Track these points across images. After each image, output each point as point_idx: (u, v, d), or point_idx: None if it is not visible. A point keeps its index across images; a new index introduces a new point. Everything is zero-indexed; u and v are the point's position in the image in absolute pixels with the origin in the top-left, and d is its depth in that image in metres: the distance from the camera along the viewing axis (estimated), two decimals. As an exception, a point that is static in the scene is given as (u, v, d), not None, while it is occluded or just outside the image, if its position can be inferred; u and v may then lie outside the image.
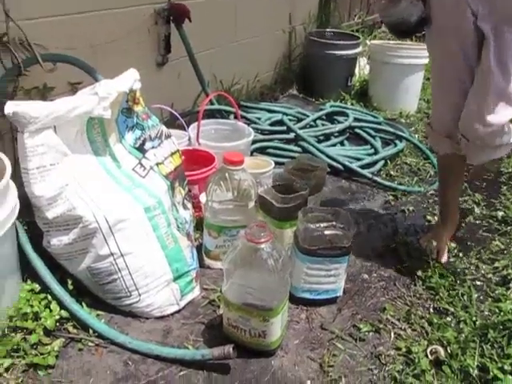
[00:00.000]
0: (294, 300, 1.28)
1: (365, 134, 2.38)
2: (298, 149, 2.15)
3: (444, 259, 1.52)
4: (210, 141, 1.79)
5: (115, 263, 1.16)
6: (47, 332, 1.13)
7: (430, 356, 1.16)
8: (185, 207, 1.34)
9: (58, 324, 1.15)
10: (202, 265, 1.41)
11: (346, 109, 2.61)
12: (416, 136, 2.47)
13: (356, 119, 2.47)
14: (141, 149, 1.24)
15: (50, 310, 1.15)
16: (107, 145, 1.20)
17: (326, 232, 1.24)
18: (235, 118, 2.08)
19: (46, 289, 1.18)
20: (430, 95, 3.05)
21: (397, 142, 2.32)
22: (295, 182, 1.43)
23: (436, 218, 1.76)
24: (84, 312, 1.17)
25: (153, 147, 1.26)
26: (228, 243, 1.38)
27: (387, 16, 1.30)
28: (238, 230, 1.33)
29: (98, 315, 1.21)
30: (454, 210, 1.59)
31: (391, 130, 2.41)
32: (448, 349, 1.17)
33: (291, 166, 1.56)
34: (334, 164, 2.04)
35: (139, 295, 1.20)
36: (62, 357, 1.11)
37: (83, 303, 1.21)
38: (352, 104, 2.83)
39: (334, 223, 1.26)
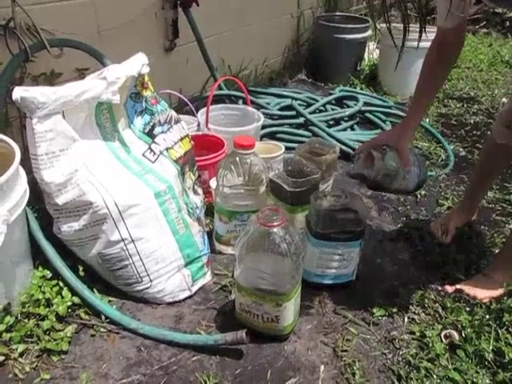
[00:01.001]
0: (307, 284, 1.27)
1: (375, 119, 2.35)
2: (308, 133, 2.13)
3: (448, 240, 1.50)
4: (219, 126, 1.77)
5: (126, 249, 1.15)
6: (60, 318, 1.13)
7: (444, 340, 1.15)
8: (195, 192, 1.34)
9: (69, 310, 1.15)
10: (213, 250, 1.41)
11: (355, 93, 2.58)
12: (427, 120, 2.43)
13: (366, 103, 2.44)
14: (150, 134, 1.23)
15: (62, 297, 1.15)
16: (116, 130, 1.18)
17: (339, 216, 1.22)
18: (244, 103, 2.06)
19: (57, 275, 1.17)
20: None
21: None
22: (306, 166, 1.42)
23: (448, 202, 1.74)
24: (95, 298, 1.16)
25: (162, 132, 1.25)
26: (239, 228, 1.37)
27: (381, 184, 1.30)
28: (249, 214, 1.32)
29: (109, 301, 1.21)
30: (478, 201, 1.59)
31: (402, 113, 2.38)
32: (462, 333, 1.16)
33: (302, 150, 1.55)
34: (345, 148, 2.02)
35: (150, 281, 1.19)
36: (75, 343, 1.11)
37: (94, 289, 1.20)
38: (361, 88, 2.79)
39: (346, 207, 1.25)
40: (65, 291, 1.16)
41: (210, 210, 1.51)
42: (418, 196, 1.78)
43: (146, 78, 1.23)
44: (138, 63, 1.19)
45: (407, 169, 1.26)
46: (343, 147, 2.01)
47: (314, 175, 1.37)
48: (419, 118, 1.32)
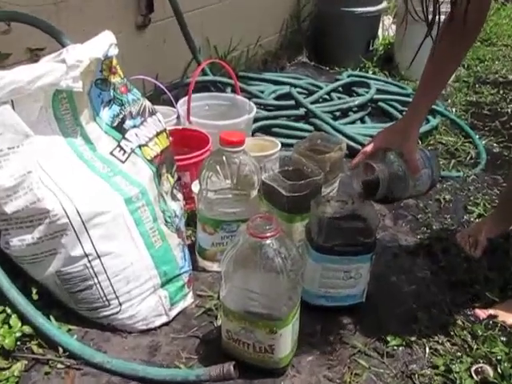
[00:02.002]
0: (308, 307, 1.28)
1: (390, 109, 2.37)
2: (310, 127, 2.15)
3: (478, 254, 1.52)
4: (203, 118, 1.78)
5: (90, 266, 1.15)
6: (5, 353, 1.12)
7: (475, 376, 1.15)
8: (174, 198, 1.34)
9: (19, 343, 1.14)
10: (195, 267, 1.42)
11: (367, 78, 2.60)
12: (453, 110, 2.45)
13: (379, 91, 2.46)
14: (120, 128, 1.24)
15: (10, 326, 1.14)
16: (78, 123, 1.19)
17: (345, 225, 1.23)
18: (233, 91, 2.08)
19: (3, 300, 1.16)
20: (472, 59, 3.04)
21: (430, 117, 2.31)
22: (306, 166, 1.43)
23: (478, 208, 1.75)
24: (52, 327, 1.16)
25: (134, 126, 1.26)
26: (226, 240, 1.39)
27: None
28: (239, 224, 1.33)
29: (69, 330, 1.21)
30: None
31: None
32: (498, 368, 1.16)
33: (302, 147, 1.56)
34: (353, 145, 2.03)
35: (120, 304, 1.19)
36: (24, 383, 1.10)
37: (51, 316, 1.20)
38: (374, 73, 2.82)
39: (354, 214, 1.26)
40: (13, 319, 1.15)
41: (191, 219, 1.52)
42: (442, 201, 1.80)
43: (115, 62, 1.23)
44: (104, 44, 1.19)
45: (417, 176, 1.27)
46: (351, 143, 2.03)
47: (315, 177, 1.38)
48: (427, 110, 1.33)
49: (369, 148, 1.29)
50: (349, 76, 2.62)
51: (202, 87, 2.15)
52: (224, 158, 1.31)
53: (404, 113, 1.41)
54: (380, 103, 2.41)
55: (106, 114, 1.23)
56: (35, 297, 1.19)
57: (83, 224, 1.12)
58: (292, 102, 2.24)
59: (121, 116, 1.24)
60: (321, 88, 2.44)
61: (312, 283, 1.27)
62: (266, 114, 2.17)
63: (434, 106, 2.34)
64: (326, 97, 2.42)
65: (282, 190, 1.35)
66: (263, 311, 1.07)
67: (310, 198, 1.31)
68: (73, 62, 1.11)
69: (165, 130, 1.32)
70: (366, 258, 1.26)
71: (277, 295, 1.07)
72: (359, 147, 2.02)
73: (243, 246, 1.06)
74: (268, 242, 1.04)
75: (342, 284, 1.28)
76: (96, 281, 1.17)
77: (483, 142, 2.18)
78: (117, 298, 1.19)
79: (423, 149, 1.34)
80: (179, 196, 1.37)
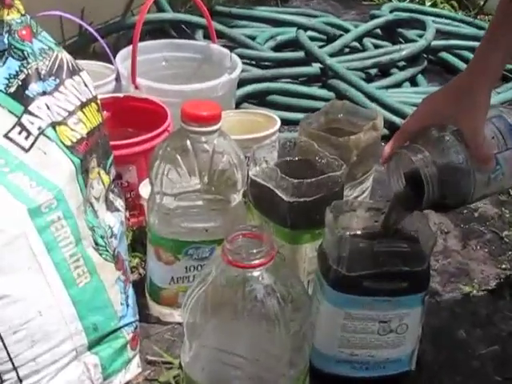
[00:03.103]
0: (322, 378, 1.27)
1: (460, 63, 2.37)
2: (329, 93, 2.15)
3: None
4: (158, 81, 1.79)
5: (-25, 317, 1.13)
6: None
7: None
8: (110, 207, 1.33)
9: None
10: (144, 317, 1.41)
11: (421, 14, 2.59)
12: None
13: (442, 33, 2.45)
14: (20, 96, 1.21)
15: None
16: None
17: (381, 248, 1.21)
18: (207, 36, 2.10)
19: None
20: None
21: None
22: (320, 155, 1.42)
23: None
24: None
25: (44, 93, 1.23)
26: (194, 273, 1.38)
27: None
28: (213, 247, 1.33)
29: None
30: None
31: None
32: None
33: (313, 126, 1.55)
34: (397, 120, 2.04)
35: (19, 380, 1.16)
36: None
37: None
38: (434, 4, 2.81)
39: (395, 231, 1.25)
40: None
41: (139, 241, 1.52)
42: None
43: (10, -11, 1.22)
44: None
45: (490, 166, 1.23)
46: (394, 118, 2.04)
47: (334, 172, 1.37)
48: (505, 59, 1.29)
49: (409, 126, 1.27)
50: (392, 11, 2.61)
51: (157, 31, 2.15)
52: (189, 142, 1.30)
53: (468, 65, 1.37)
54: (443, 54, 2.41)
55: (-2, 73, 1.23)
56: None
57: (-37, 249, 1.11)
58: (300, 54, 2.23)
59: (21, 76, 1.21)
60: (347, 31, 2.44)
61: (328, 340, 1.26)
62: (258, 73, 2.16)
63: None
64: (356, 44, 2.40)
65: (282, 194, 1.33)
66: (251, 384, 1.06)
67: (324, 205, 1.28)
68: None
69: (95, 99, 1.31)
70: (416, 301, 1.24)
71: (270, 359, 1.05)
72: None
73: (217, 280, 1.04)
74: (256, 273, 1.02)
75: (376, 342, 1.26)
76: (-21, 342, 1.15)
77: None
78: (14, 369, 1.15)
79: (499, 115, 1.30)
80: (119, 203, 1.36)
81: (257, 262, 1.02)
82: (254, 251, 1.02)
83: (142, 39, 1.78)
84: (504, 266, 1.61)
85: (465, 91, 1.24)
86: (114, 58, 1.83)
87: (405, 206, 1.24)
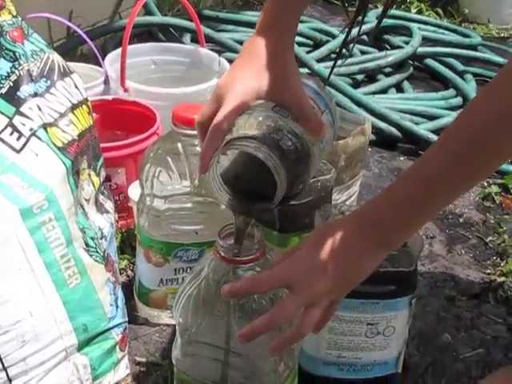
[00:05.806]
0: (310, 380, 1.27)
1: (445, 70, 2.38)
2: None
3: None
4: (147, 84, 1.80)
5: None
6: None
7: None
8: (100, 209, 1.34)
9: None
10: (133, 318, 1.42)
11: (407, 21, 2.61)
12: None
13: (428, 40, 2.47)
14: (11, 97, 1.21)
15: None
16: None
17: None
18: (195, 40, 2.14)
19: None
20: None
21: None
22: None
23: None
24: None
25: (36, 94, 1.23)
26: (183, 275, 1.38)
27: None
28: (203, 249, 1.34)
29: None
30: None
31: (495, 59, 2.41)
32: None
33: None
34: (384, 126, 2.05)
35: (9, 381, 1.16)
36: None
37: None
38: (420, 11, 2.83)
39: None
40: None
41: (128, 242, 1.53)
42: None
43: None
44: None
45: (323, 134, 1.07)
46: (380, 124, 2.05)
47: (322, 176, 1.38)
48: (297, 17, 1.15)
49: (221, 113, 1.01)
50: (378, 17, 2.63)
51: (145, 34, 2.16)
52: (180, 145, 1.31)
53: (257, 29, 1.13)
54: (428, 60, 2.42)
55: (-11, 74, 1.22)
56: None
57: None
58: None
59: (13, 78, 1.22)
60: (334, 36, 2.44)
61: (316, 343, 1.26)
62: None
63: None
64: (343, 50, 2.42)
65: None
66: (241, 381, 1.08)
67: (313, 208, 1.30)
68: None
69: (86, 101, 1.31)
70: (403, 303, 1.25)
71: (260, 358, 1.05)
72: (393, 130, 2.02)
73: (209, 276, 1.05)
74: (248, 269, 1.04)
75: (363, 344, 1.26)
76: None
77: None
78: (4, 369, 1.15)
79: (303, 80, 1.13)
80: (109, 206, 1.37)
81: (248, 257, 1.03)
82: (246, 247, 1.04)
83: (129, 42, 1.80)
84: (488, 271, 1.62)
85: (273, 57, 1.07)
86: (103, 60, 1.83)
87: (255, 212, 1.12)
